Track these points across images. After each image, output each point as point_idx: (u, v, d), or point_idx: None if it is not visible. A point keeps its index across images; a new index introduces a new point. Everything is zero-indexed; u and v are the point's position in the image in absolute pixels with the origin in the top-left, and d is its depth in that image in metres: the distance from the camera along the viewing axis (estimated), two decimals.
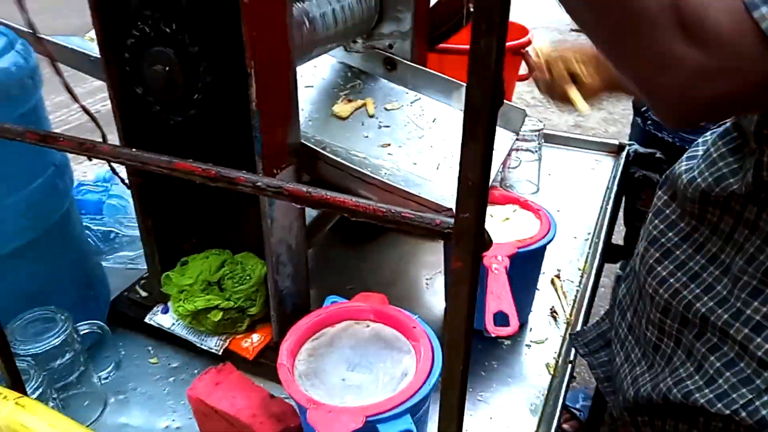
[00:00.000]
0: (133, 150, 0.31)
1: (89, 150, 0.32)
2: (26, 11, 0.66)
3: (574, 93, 0.94)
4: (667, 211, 0.66)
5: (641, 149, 1.25)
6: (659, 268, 0.64)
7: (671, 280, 0.63)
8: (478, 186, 0.22)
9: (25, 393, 0.46)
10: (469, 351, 0.26)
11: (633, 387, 0.68)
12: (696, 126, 0.52)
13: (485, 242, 0.24)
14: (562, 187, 1.19)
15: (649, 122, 1.33)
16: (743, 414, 0.56)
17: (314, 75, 0.93)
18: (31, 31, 0.69)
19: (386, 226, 0.26)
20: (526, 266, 0.77)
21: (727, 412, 0.57)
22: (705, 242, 0.61)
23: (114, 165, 0.83)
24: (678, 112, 0.48)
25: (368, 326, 0.65)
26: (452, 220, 0.24)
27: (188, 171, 0.30)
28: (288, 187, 0.28)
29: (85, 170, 2.78)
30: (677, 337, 0.64)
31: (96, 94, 3.42)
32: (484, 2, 0.18)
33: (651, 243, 0.66)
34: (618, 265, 1.35)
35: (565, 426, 1.58)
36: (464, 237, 0.23)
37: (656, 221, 0.67)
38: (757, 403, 0.56)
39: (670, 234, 0.65)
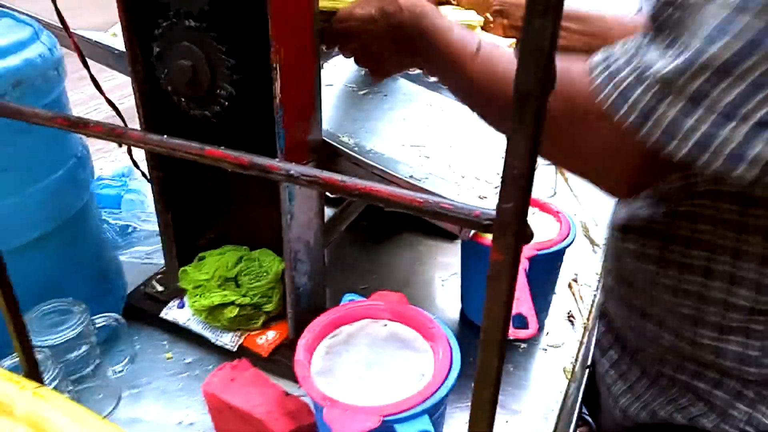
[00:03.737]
0: (164, 137, 0.31)
1: (119, 136, 0.32)
2: (56, 5, 0.67)
3: None
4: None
5: None
6: None
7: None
8: (524, 175, 0.21)
9: (42, 383, 0.46)
10: (504, 349, 0.26)
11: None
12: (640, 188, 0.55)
13: (527, 235, 0.23)
14: (577, 191, 1.18)
15: None
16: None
17: (334, 74, 0.93)
18: (60, 25, 0.69)
19: (423, 217, 0.25)
20: (545, 269, 0.76)
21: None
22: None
23: (135, 158, 0.83)
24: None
25: (385, 325, 0.64)
26: (493, 212, 0.23)
27: (219, 158, 0.29)
28: (323, 176, 0.27)
29: (102, 166, 2.80)
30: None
31: (115, 92, 3.45)
32: None
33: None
34: None
35: None
36: (505, 229, 0.23)
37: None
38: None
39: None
